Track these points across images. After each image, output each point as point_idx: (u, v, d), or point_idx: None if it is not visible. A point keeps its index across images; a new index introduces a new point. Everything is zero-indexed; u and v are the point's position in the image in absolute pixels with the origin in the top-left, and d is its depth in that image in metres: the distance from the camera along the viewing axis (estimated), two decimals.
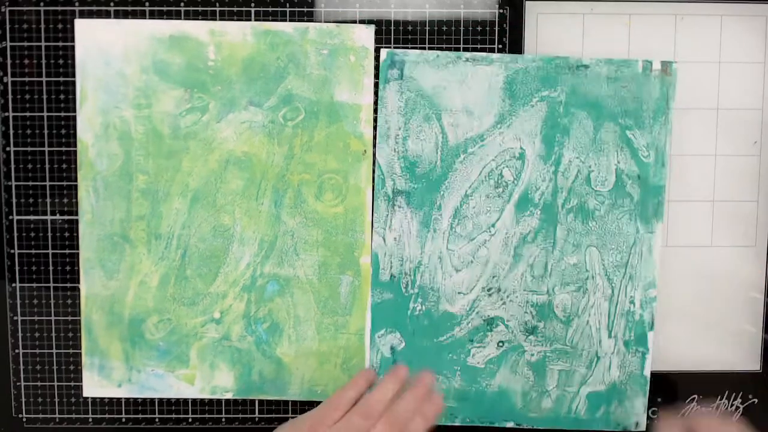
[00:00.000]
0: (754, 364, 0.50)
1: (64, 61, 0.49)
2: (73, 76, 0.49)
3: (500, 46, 0.48)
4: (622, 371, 0.50)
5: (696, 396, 0.49)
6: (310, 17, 0.49)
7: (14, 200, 0.50)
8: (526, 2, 0.48)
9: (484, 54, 0.48)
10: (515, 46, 0.48)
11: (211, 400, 0.51)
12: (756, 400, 0.49)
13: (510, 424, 0.50)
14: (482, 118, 0.48)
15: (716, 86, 0.48)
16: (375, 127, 0.49)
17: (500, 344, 0.49)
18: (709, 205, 0.49)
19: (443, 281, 0.49)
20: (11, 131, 0.49)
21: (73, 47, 0.49)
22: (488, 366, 0.50)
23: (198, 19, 0.49)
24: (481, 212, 0.49)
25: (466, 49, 0.48)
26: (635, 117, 0.47)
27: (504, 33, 0.48)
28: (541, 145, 0.48)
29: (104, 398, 0.51)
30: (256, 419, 0.51)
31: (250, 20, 0.49)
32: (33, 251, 0.50)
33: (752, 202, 0.49)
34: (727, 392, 0.49)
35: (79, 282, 0.50)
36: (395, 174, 0.49)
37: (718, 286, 0.49)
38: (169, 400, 0.51)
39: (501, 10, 0.48)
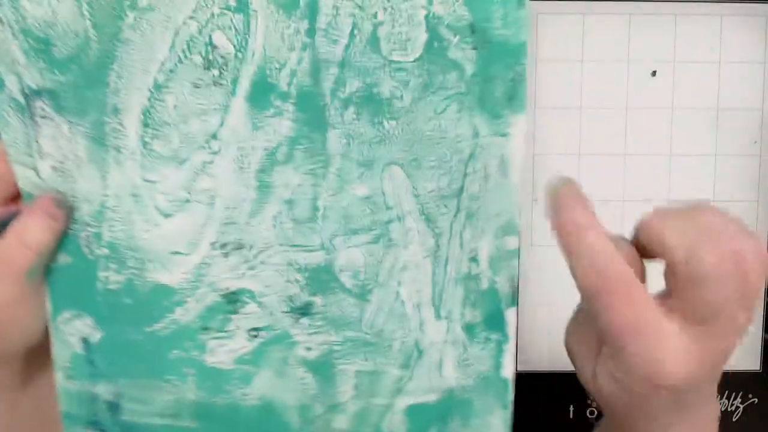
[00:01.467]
0: (754, 364, 0.50)
1: None
2: None
3: None
4: (463, 371, 0.30)
5: None
6: None
7: None
8: (526, 1, 0.48)
9: None
10: None
11: None
12: (756, 400, 0.49)
13: None
14: None
15: (716, 86, 0.48)
16: None
17: (253, 332, 0.31)
18: None
19: (146, 234, 0.30)
20: None
21: None
22: (240, 366, 0.31)
23: None
24: (191, 113, 0.29)
25: None
26: None
27: None
28: None
29: None
30: None
31: None
32: None
33: (752, 202, 0.49)
34: (727, 392, 0.49)
35: None
36: (19, 64, 0.28)
37: None
38: None
39: None
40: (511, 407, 0.31)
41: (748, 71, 0.49)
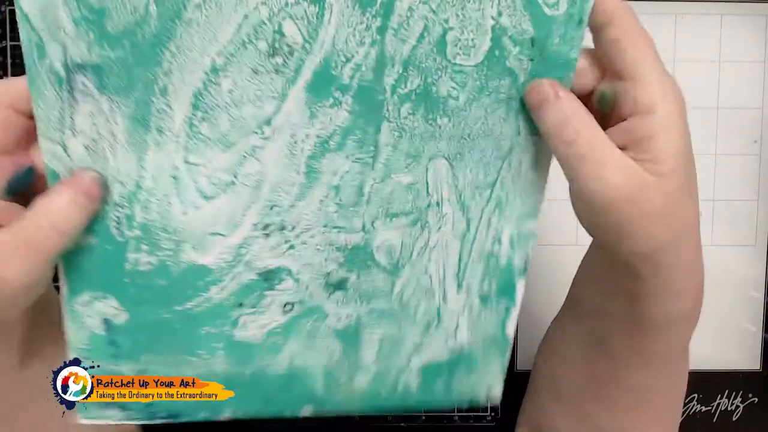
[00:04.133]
0: (754, 364, 0.50)
1: None
2: None
3: None
4: (474, 334, 0.33)
5: (695, 395, 0.49)
6: None
7: None
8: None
9: None
10: None
11: None
12: (756, 400, 0.49)
13: (306, 411, 0.33)
14: None
15: (716, 86, 0.48)
16: None
17: (287, 307, 0.31)
18: (709, 204, 0.49)
19: (184, 216, 0.29)
20: None
21: None
22: (270, 339, 0.31)
23: None
24: (246, 99, 0.27)
25: None
26: None
27: None
28: None
29: None
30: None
31: None
32: None
33: (752, 201, 0.49)
34: (727, 392, 0.49)
35: None
36: (66, 33, 0.26)
37: (717, 285, 0.49)
38: None
39: None
40: (508, 355, 0.34)
41: (748, 71, 0.49)
